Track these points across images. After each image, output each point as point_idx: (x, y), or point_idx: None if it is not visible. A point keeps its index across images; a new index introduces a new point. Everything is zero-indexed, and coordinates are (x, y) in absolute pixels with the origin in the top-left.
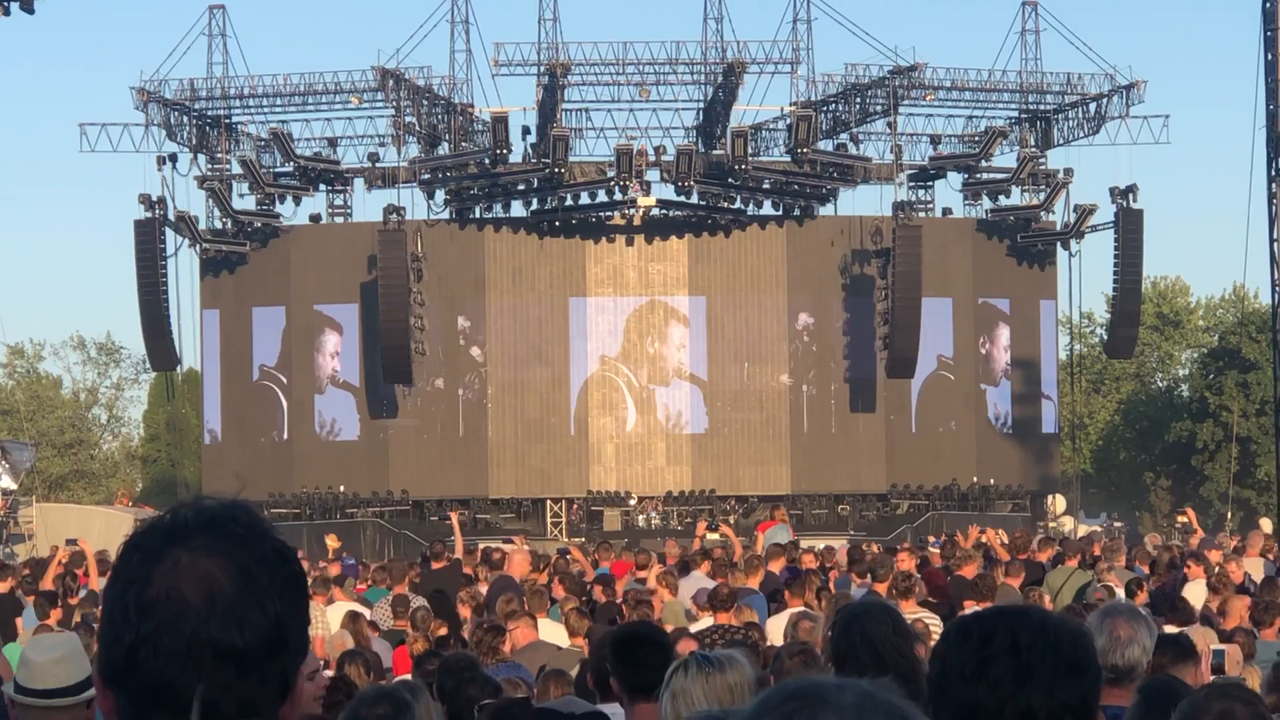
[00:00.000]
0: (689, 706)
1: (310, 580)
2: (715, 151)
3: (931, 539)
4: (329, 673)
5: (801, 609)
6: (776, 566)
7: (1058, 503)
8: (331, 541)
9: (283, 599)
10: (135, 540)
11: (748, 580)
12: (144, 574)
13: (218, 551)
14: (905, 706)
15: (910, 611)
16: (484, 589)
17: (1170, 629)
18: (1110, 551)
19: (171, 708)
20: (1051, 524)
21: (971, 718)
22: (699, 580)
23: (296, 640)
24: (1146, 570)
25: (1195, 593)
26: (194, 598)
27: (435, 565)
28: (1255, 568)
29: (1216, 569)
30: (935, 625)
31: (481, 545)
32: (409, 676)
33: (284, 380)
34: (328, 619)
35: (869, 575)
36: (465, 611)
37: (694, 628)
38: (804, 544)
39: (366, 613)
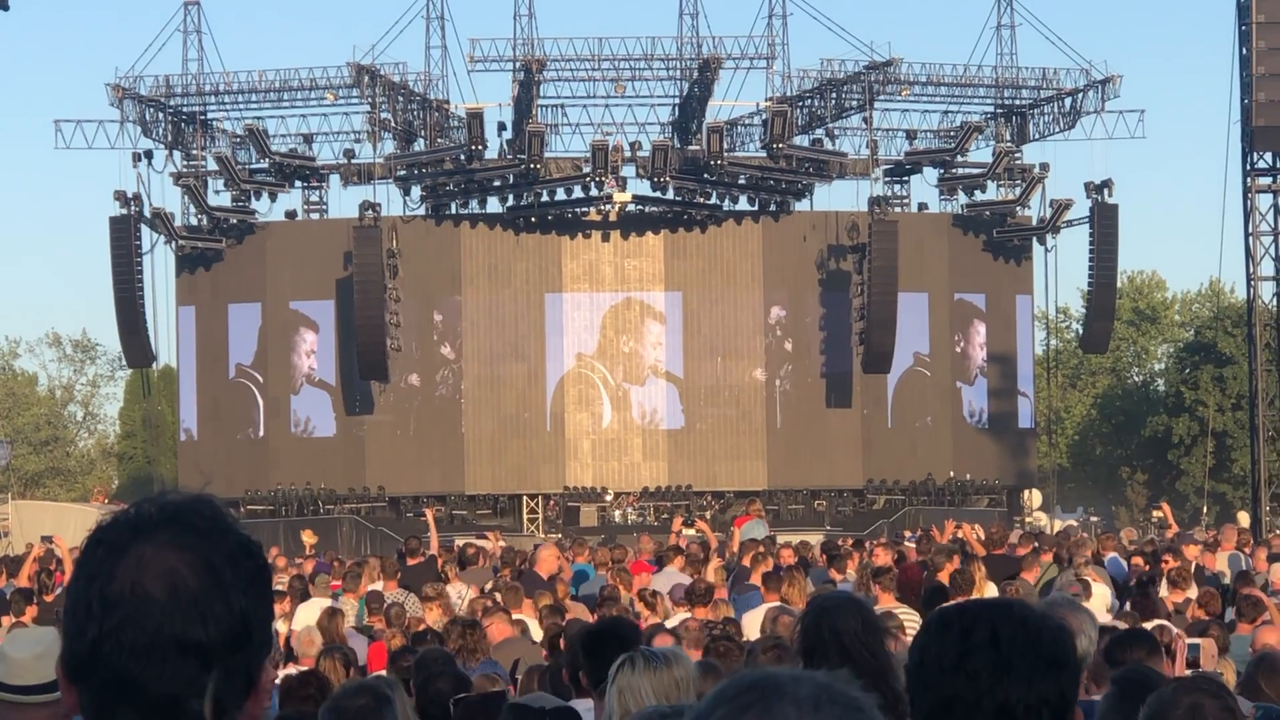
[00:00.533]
0: (639, 702)
1: (289, 577)
2: (691, 147)
3: (907, 534)
4: (301, 667)
5: (778, 604)
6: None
7: (1034, 497)
8: (307, 537)
9: (247, 593)
10: (99, 535)
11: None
12: (108, 569)
13: (182, 546)
14: (862, 699)
15: (890, 606)
16: (453, 588)
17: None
18: (1078, 545)
19: (136, 703)
20: (1028, 519)
21: (950, 709)
22: (673, 576)
23: (261, 635)
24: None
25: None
26: (158, 592)
27: (411, 561)
28: (1227, 562)
29: (1177, 565)
30: (912, 622)
31: (459, 542)
32: (383, 673)
33: (259, 379)
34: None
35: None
36: (435, 610)
37: (669, 623)
38: (780, 539)
39: (344, 609)
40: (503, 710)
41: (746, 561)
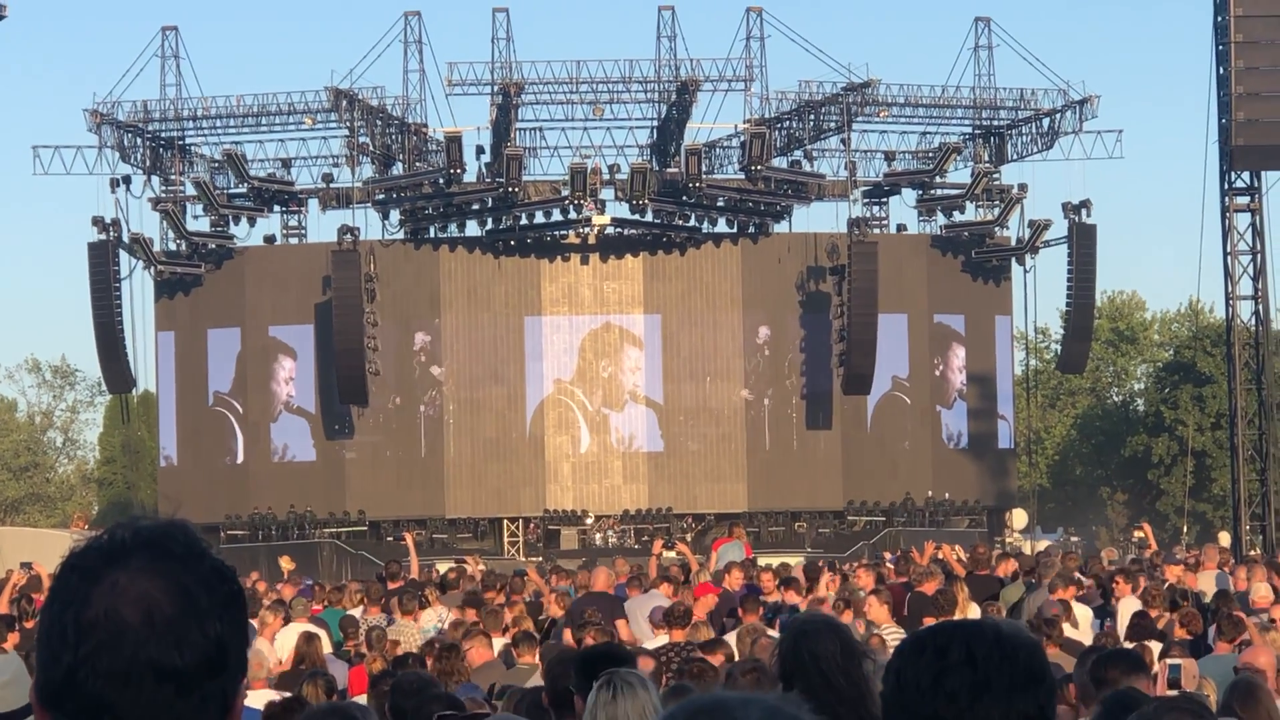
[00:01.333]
0: None
1: (268, 602)
2: (669, 169)
3: (887, 555)
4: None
5: (756, 624)
6: (731, 583)
7: (1017, 517)
8: (285, 563)
9: (222, 619)
10: (73, 561)
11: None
12: (82, 595)
13: (156, 572)
14: (807, 716)
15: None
16: (434, 611)
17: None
18: (1045, 567)
19: None
20: (1009, 539)
21: None
22: (656, 598)
23: (236, 660)
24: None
25: (1127, 609)
26: (133, 618)
27: (391, 585)
28: (1209, 581)
29: (1145, 585)
30: (897, 639)
31: (439, 566)
32: (363, 698)
33: (238, 407)
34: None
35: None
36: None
37: (650, 645)
38: (761, 561)
39: (322, 634)
40: None
41: (728, 584)
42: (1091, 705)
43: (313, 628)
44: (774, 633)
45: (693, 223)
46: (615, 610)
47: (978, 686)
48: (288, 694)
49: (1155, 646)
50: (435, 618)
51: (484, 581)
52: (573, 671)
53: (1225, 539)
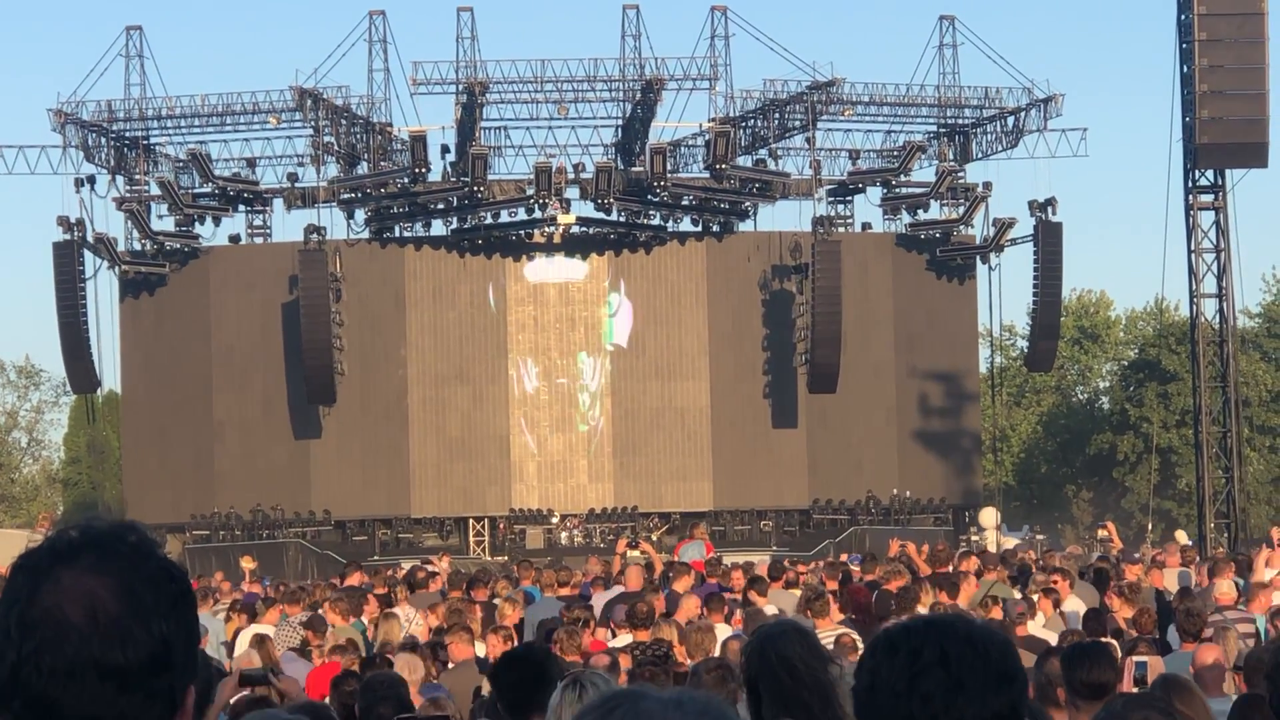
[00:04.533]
0: None
1: (231, 602)
2: (634, 168)
3: (845, 556)
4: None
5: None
6: (682, 586)
7: (985, 515)
8: (247, 563)
9: (169, 618)
10: (21, 561)
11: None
12: (27, 593)
13: (102, 570)
14: (718, 699)
15: (828, 630)
16: (402, 610)
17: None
18: (993, 562)
19: None
20: (975, 537)
21: None
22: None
23: (184, 658)
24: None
25: (1070, 608)
26: (76, 616)
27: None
28: (1173, 579)
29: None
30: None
31: (405, 565)
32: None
33: (205, 402)
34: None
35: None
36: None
37: (613, 644)
38: (727, 560)
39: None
40: None
41: (678, 586)
42: (1052, 704)
43: (268, 629)
44: (724, 626)
45: (657, 221)
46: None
47: (952, 687)
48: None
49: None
50: (403, 617)
51: (450, 580)
52: (491, 671)
53: (1183, 537)
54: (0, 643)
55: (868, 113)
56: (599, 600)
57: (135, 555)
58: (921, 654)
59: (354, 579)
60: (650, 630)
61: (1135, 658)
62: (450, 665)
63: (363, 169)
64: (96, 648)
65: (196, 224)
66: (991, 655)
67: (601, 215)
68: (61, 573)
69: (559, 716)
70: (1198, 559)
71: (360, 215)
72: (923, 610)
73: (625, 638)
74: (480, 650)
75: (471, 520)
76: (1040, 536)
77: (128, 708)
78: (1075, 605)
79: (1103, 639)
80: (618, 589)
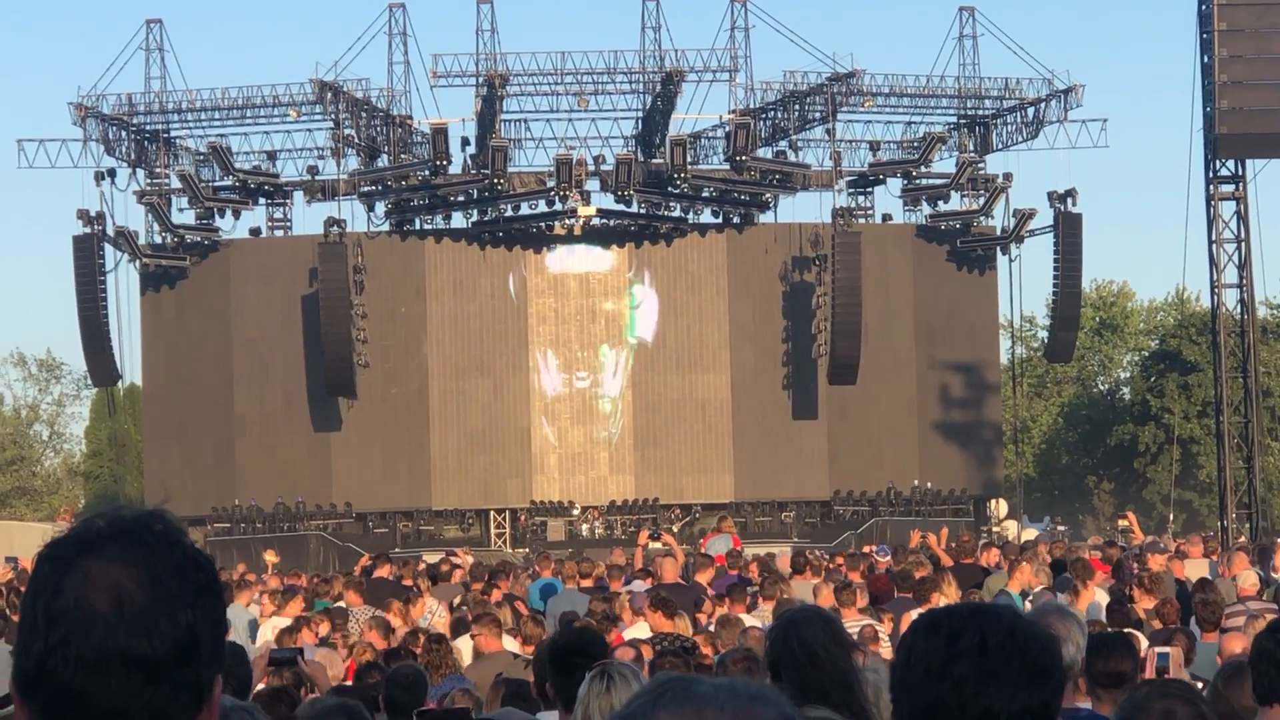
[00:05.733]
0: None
1: (255, 594)
2: (654, 160)
3: (867, 548)
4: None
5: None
6: (704, 578)
7: (1000, 507)
8: (269, 557)
9: (195, 608)
10: (47, 551)
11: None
12: (54, 584)
13: (128, 560)
14: (775, 692)
15: (853, 620)
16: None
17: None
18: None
19: (82, 718)
20: (995, 528)
21: (932, 712)
22: (639, 589)
23: (210, 649)
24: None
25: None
26: (102, 606)
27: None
28: (1198, 570)
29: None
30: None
31: (427, 557)
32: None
33: (225, 395)
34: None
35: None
36: (398, 623)
37: (628, 634)
38: (748, 552)
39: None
40: None
41: (700, 578)
42: (1078, 693)
43: (286, 621)
44: (752, 620)
45: (678, 213)
46: (686, 600)
47: (985, 675)
48: (276, 684)
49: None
50: (427, 610)
51: (472, 572)
52: (545, 661)
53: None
54: (27, 633)
55: (888, 104)
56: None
57: (162, 544)
58: (961, 637)
59: (383, 571)
60: (674, 621)
61: (1157, 649)
62: (480, 656)
63: (383, 162)
64: (123, 638)
65: (217, 217)
66: (1030, 649)
67: (622, 207)
68: (88, 563)
69: (586, 706)
70: (1220, 550)
71: (380, 208)
72: (944, 601)
73: (642, 627)
74: (509, 643)
75: (492, 512)
76: (1061, 528)
77: (154, 698)
78: (1099, 596)
79: (1125, 629)
80: (637, 582)
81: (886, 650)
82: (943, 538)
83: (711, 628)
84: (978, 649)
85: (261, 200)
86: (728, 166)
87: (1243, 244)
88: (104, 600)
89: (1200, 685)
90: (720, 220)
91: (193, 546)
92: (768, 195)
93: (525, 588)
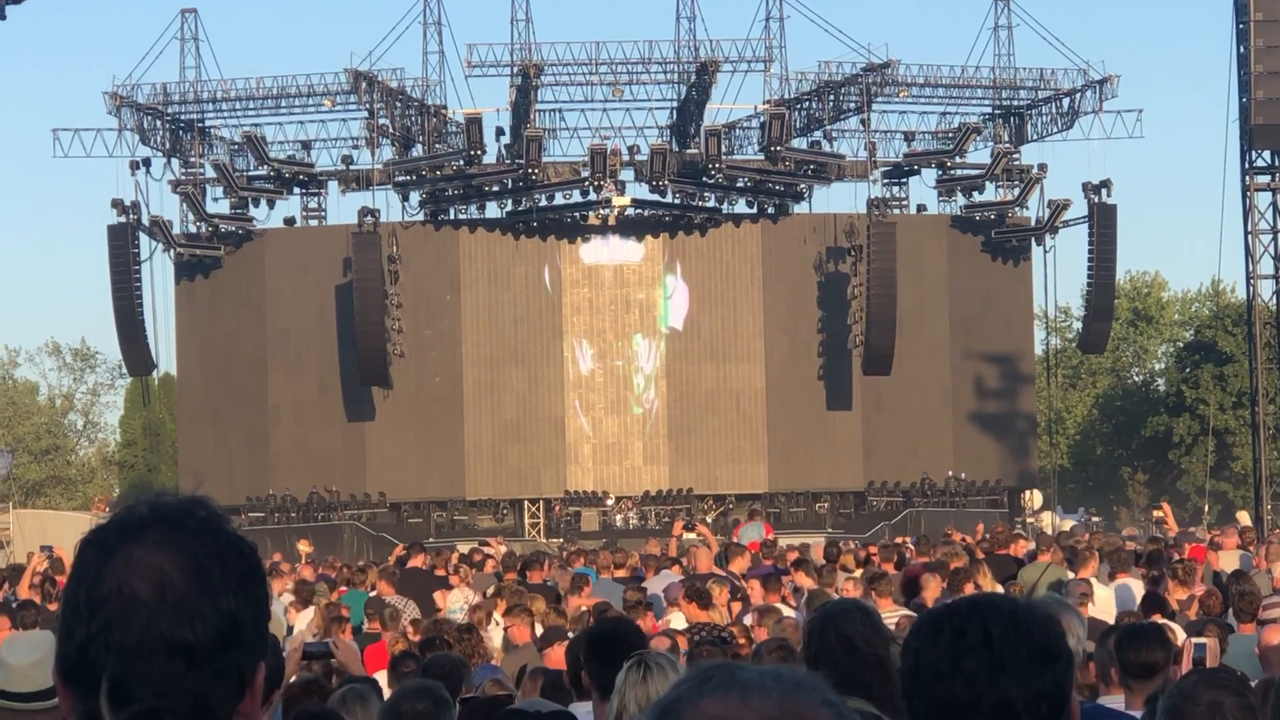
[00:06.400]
0: (640, 707)
1: (293, 583)
2: (689, 150)
3: (899, 540)
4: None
5: (778, 606)
6: (738, 567)
7: (1034, 498)
8: (303, 547)
9: (237, 594)
10: (90, 537)
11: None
12: (96, 570)
13: (170, 546)
14: (819, 679)
15: (889, 611)
16: (460, 593)
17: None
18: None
19: (124, 703)
20: (1029, 519)
21: (948, 712)
22: (668, 578)
23: (252, 635)
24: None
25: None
26: (144, 592)
27: (411, 564)
28: (1231, 561)
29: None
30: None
31: (461, 547)
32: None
33: (260, 384)
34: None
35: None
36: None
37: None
38: (782, 542)
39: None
40: (500, 715)
41: (734, 567)
42: (1112, 684)
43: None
44: (789, 612)
45: (712, 204)
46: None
47: (995, 667)
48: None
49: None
50: (461, 599)
51: (504, 562)
52: (583, 649)
53: (1244, 518)
54: (69, 619)
55: (922, 94)
56: (657, 584)
57: (204, 531)
58: (965, 634)
59: (417, 561)
60: (708, 612)
61: (1195, 639)
62: (514, 647)
63: (417, 151)
64: (165, 625)
65: (251, 206)
66: (1034, 634)
67: (656, 197)
68: (130, 549)
69: (622, 696)
70: (1256, 540)
71: (415, 197)
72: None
73: (678, 618)
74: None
75: (526, 502)
76: (1095, 519)
77: (195, 684)
78: (1134, 586)
79: (1159, 620)
80: (666, 572)
81: None
82: (978, 533)
83: (747, 619)
84: (983, 643)
85: (296, 190)
86: (762, 157)
87: (1279, 235)
88: (146, 586)
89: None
90: (755, 211)
91: (235, 533)
92: (802, 186)
93: (569, 578)
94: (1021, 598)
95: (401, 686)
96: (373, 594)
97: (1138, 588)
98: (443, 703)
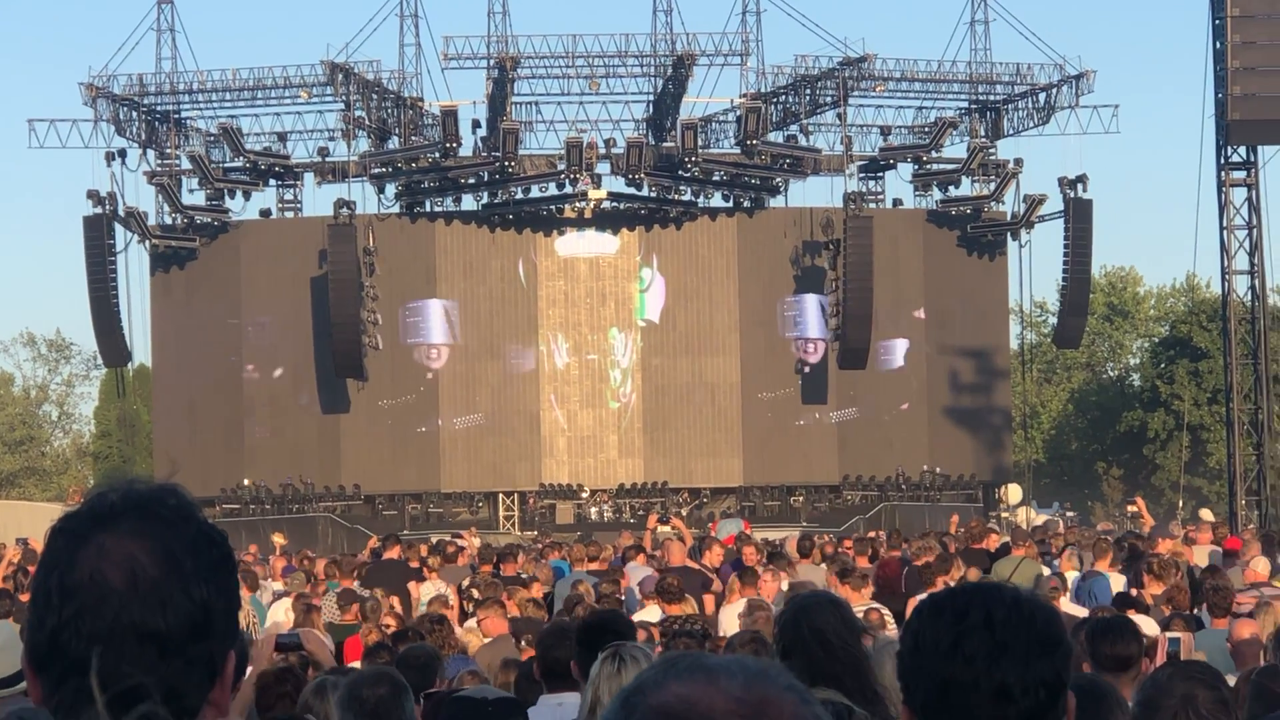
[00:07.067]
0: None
1: (258, 576)
2: (665, 144)
3: (873, 534)
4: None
5: (755, 598)
6: (712, 560)
7: (1011, 492)
8: (278, 539)
9: (209, 582)
10: (61, 525)
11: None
12: (67, 558)
13: (142, 534)
14: (785, 669)
15: (859, 604)
16: (433, 585)
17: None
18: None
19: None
20: (1004, 514)
21: (946, 693)
22: (639, 570)
23: (224, 624)
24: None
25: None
26: (116, 580)
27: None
28: (1204, 556)
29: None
30: (888, 615)
31: (434, 538)
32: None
33: (235, 376)
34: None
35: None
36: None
37: (637, 617)
38: (756, 536)
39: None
40: (449, 704)
41: (708, 560)
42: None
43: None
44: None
45: (688, 197)
46: (693, 584)
47: (996, 649)
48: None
49: (1140, 620)
50: (433, 591)
51: (480, 554)
52: (573, 640)
53: (1209, 515)
54: (40, 607)
55: (899, 89)
56: (635, 573)
57: (176, 519)
58: (967, 615)
59: (393, 552)
60: (680, 605)
61: (1168, 634)
62: (486, 640)
63: (393, 144)
64: (136, 612)
65: (227, 198)
66: (1037, 621)
67: (632, 190)
68: (102, 537)
69: (596, 688)
70: (1229, 535)
71: (391, 190)
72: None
73: (654, 611)
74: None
75: (501, 495)
76: (1070, 513)
77: (167, 673)
78: (1111, 579)
79: (1132, 614)
80: (633, 564)
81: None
82: (953, 525)
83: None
84: (985, 625)
85: (272, 181)
86: (738, 150)
87: (1254, 230)
88: (118, 574)
89: None
90: (731, 204)
91: (207, 522)
92: (778, 179)
93: (548, 571)
94: (1024, 587)
95: (359, 672)
96: (339, 589)
97: (1116, 581)
98: (401, 687)
